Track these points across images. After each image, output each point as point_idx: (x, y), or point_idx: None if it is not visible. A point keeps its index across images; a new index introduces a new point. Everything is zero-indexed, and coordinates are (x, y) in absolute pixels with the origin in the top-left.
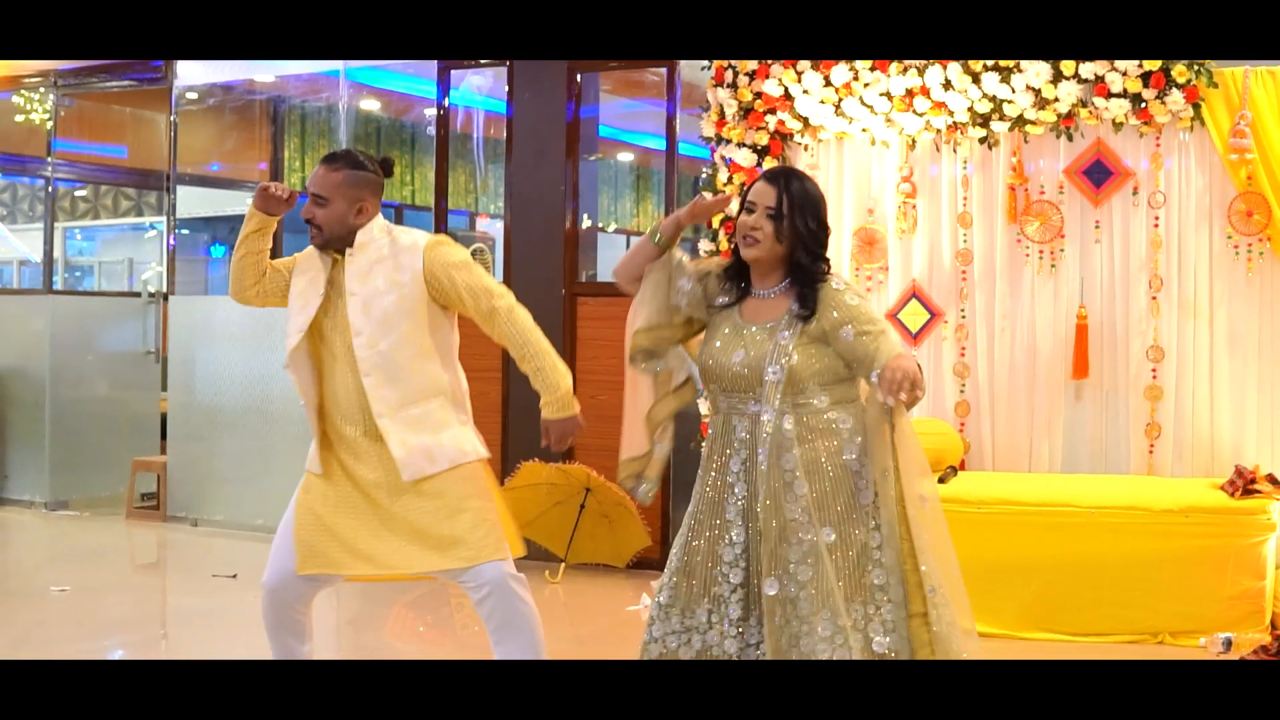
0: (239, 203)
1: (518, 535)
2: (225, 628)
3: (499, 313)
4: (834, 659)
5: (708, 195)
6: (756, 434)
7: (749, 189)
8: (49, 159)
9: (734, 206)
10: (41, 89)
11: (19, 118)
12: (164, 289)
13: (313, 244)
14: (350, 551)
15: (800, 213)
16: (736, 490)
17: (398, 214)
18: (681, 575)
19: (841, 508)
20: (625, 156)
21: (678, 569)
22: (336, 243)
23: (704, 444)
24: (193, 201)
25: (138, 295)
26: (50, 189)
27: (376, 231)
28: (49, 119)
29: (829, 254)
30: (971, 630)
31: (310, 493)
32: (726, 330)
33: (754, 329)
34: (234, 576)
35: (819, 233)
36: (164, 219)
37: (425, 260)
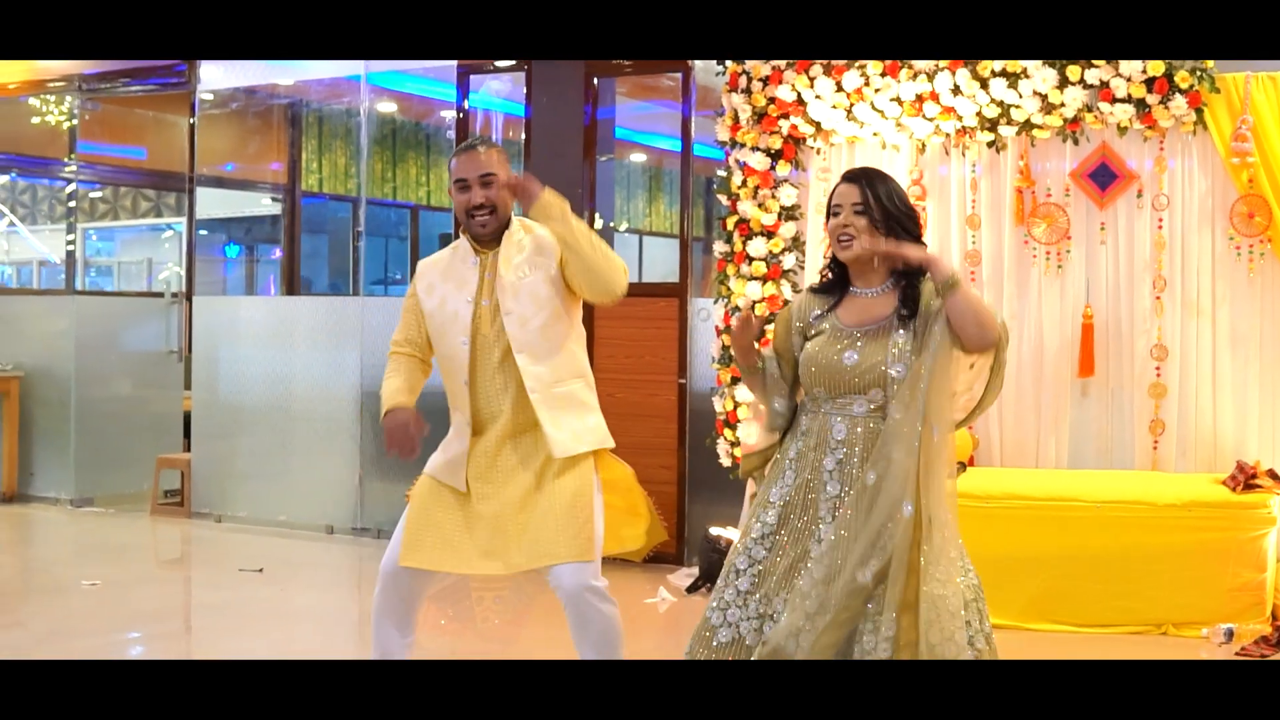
0: (255, 203)
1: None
2: (252, 620)
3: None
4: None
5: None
6: (862, 433)
7: (831, 196)
8: (69, 159)
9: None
10: (57, 95)
11: (35, 120)
12: (183, 289)
13: (484, 232)
14: (451, 550)
15: (889, 200)
16: (829, 489)
17: (413, 214)
18: (767, 564)
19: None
20: (640, 158)
21: (764, 559)
22: (498, 230)
23: (790, 442)
24: (210, 202)
25: (160, 295)
26: (74, 190)
27: (517, 222)
28: (66, 121)
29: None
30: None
31: (435, 496)
32: (829, 333)
33: (863, 330)
34: (260, 570)
35: (912, 215)
36: (183, 220)
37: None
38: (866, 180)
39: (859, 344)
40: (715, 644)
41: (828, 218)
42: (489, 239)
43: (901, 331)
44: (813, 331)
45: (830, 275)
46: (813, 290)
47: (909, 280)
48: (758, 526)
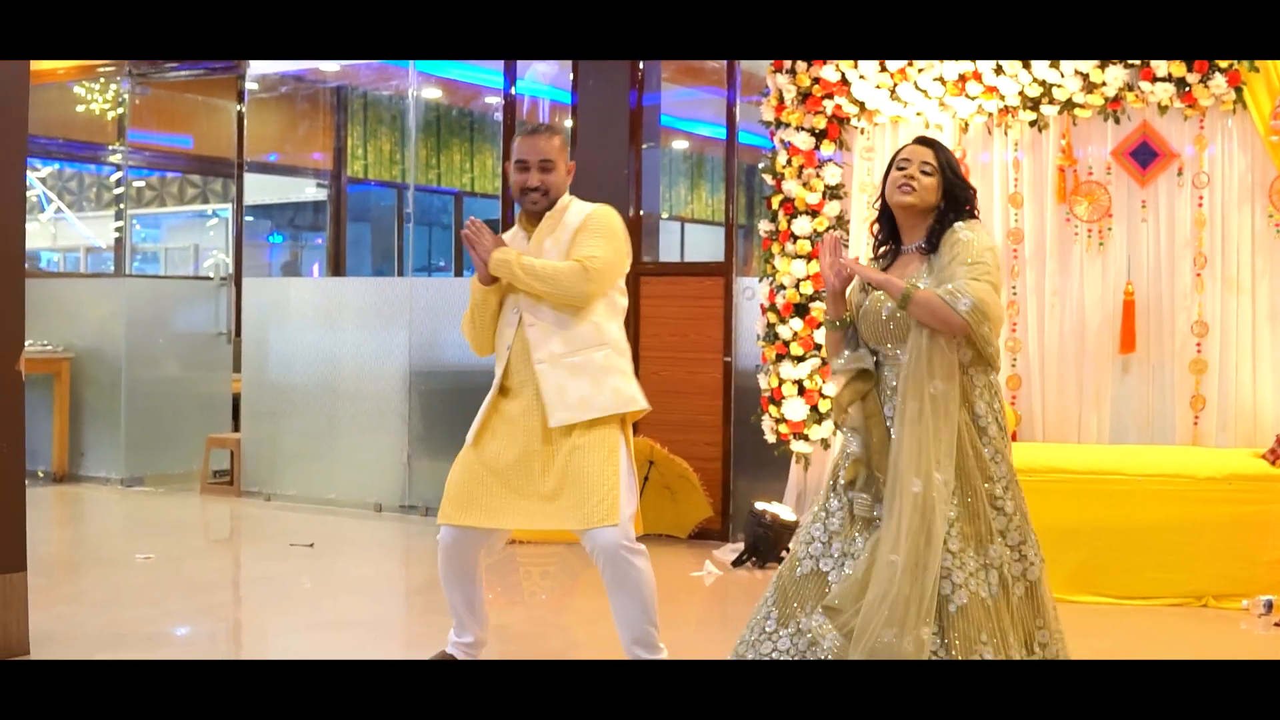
0: (300, 190)
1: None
2: (302, 591)
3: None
4: (978, 592)
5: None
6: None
7: (897, 155)
8: (117, 145)
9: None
10: (104, 80)
11: (80, 108)
12: (230, 274)
13: (534, 209)
14: (486, 510)
15: (953, 168)
16: (894, 434)
17: (457, 201)
18: (849, 509)
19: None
20: (683, 144)
21: (846, 504)
22: (546, 209)
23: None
24: (256, 188)
25: (209, 279)
26: (123, 175)
27: (567, 201)
28: (113, 110)
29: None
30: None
31: (468, 452)
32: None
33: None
34: (311, 545)
35: (967, 188)
36: (228, 206)
37: (584, 218)
38: (938, 147)
39: None
40: (799, 575)
41: (888, 173)
42: (536, 216)
43: (926, 280)
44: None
45: (879, 228)
46: (874, 258)
47: (937, 226)
48: (831, 482)
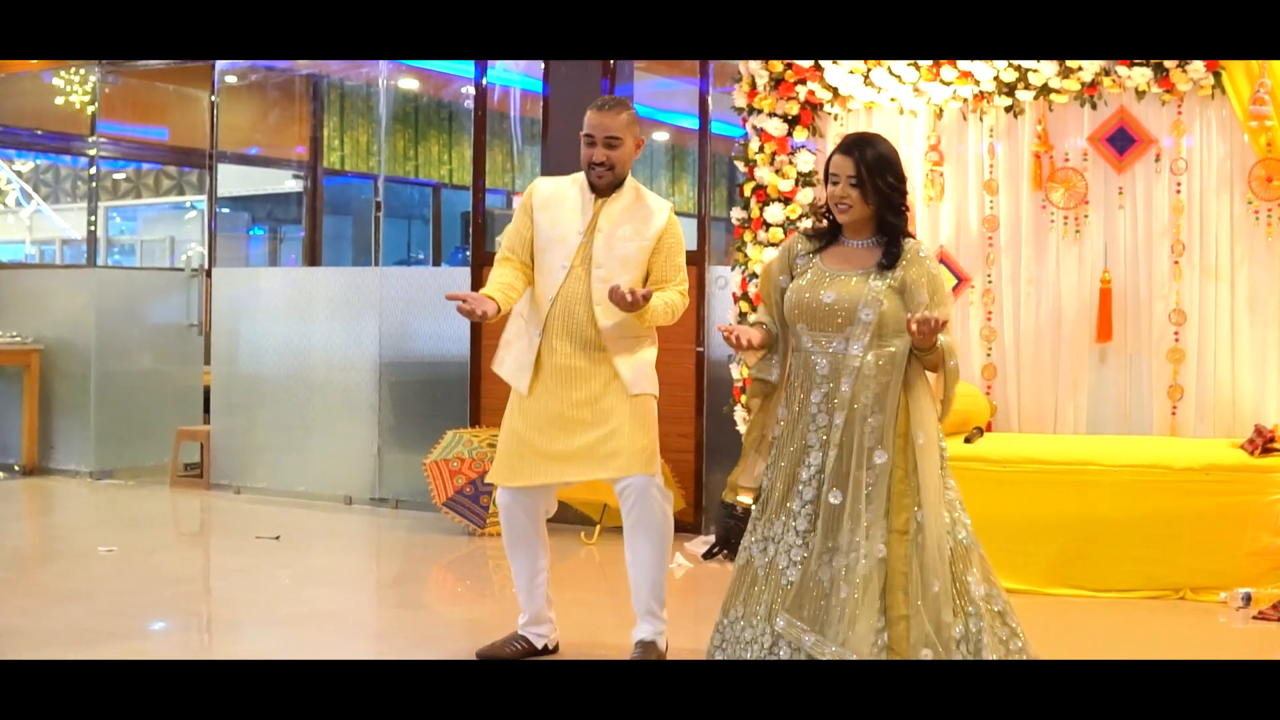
0: (277, 182)
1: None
2: (271, 583)
3: (674, 292)
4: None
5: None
6: (840, 367)
7: (829, 163)
8: (92, 138)
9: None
10: (83, 72)
11: (59, 100)
12: (204, 266)
13: (599, 184)
14: (538, 467)
15: (879, 174)
16: (818, 419)
17: (435, 193)
18: (769, 493)
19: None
20: (662, 136)
21: (766, 488)
22: (613, 185)
23: (787, 384)
24: (232, 180)
25: (181, 270)
26: (95, 167)
27: (631, 181)
28: (90, 104)
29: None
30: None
31: (514, 414)
32: (812, 273)
33: (844, 275)
34: (277, 538)
35: (898, 186)
36: (204, 198)
37: (667, 222)
38: (859, 153)
39: (836, 284)
40: (737, 567)
41: (825, 183)
42: (603, 189)
43: (879, 282)
44: (797, 271)
45: (826, 223)
46: (805, 234)
47: (891, 238)
48: (765, 463)
